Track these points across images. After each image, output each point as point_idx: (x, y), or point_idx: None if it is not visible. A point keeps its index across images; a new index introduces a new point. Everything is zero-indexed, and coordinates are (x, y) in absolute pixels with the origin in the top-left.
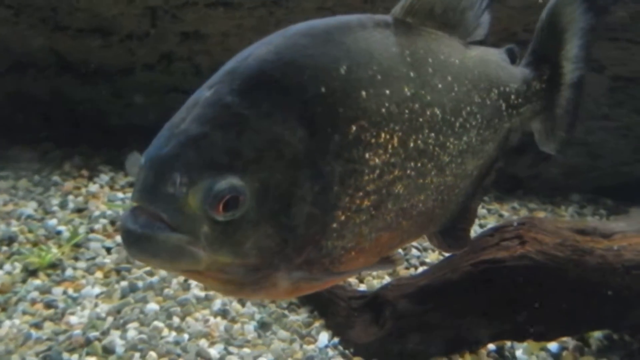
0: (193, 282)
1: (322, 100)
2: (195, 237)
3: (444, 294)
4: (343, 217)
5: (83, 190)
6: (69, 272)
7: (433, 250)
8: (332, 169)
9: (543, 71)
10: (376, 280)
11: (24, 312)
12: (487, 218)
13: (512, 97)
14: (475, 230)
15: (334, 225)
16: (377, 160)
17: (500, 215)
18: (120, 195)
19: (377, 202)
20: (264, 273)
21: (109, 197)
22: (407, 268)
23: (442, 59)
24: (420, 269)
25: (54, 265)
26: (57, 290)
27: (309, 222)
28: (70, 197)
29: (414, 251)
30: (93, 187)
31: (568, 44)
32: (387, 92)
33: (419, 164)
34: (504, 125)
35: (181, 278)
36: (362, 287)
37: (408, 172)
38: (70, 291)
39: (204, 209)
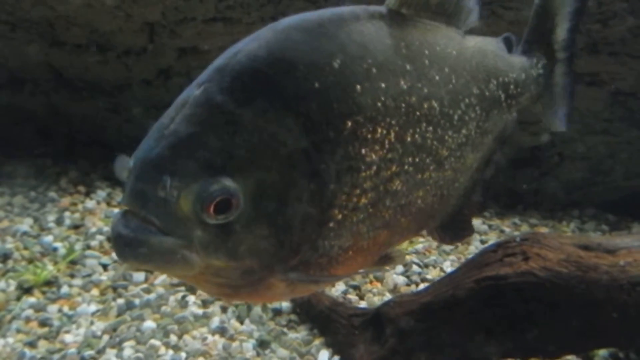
0: (191, 300)
1: (315, 96)
2: (188, 241)
3: (447, 311)
4: (340, 216)
5: (80, 206)
6: (64, 289)
7: (434, 267)
8: (328, 167)
9: (539, 57)
10: (377, 297)
11: (18, 331)
12: (488, 234)
13: (511, 87)
14: (476, 247)
15: (331, 224)
16: (373, 156)
17: (502, 231)
18: (117, 211)
19: (375, 199)
20: (260, 275)
21: (105, 213)
22: (407, 285)
23: (439, 50)
24: (422, 286)
25: (50, 283)
26: (52, 308)
27: (305, 222)
28: (67, 214)
29: (415, 267)
30: (90, 203)
31: (558, 28)
32: (383, 85)
33: (417, 159)
34: (503, 117)
35: (179, 295)
36: (363, 304)
37: (406, 167)
38: (66, 309)
39: (195, 212)
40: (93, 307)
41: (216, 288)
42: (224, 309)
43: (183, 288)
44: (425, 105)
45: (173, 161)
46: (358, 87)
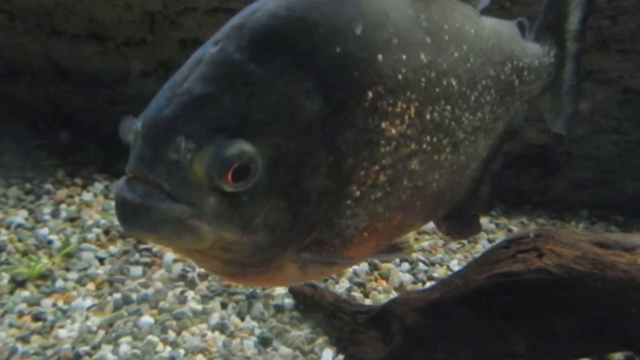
0: (190, 295)
1: (337, 61)
2: (199, 210)
3: (456, 308)
4: (357, 193)
5: (76, 198)
6: (59, 283)
7: (441, 265)
8: (347, 138)
9: (551, 46)
10: (383, 295)
11: (11, 325)
12: (495, 233)
13: (525, 72)
14: (483, 245)
15: (348, 201)
16: (393, 131)
17: (509, 230)
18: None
19: (393, 177)
20: (272, 253)
21: (103, 206)
22: (414, 282)
23: (458, 26)
24: (428, 284)
25: (44, 276)
26: (47, 302)
27: (322, 196)
28: (63, 206)
29: (421, 265)
30: (87, 196)
31: (570, 17)
32: (404, 57)
33: (435, 139)
34: (515, 104)
35: (177, 290)
36: (368, 302)
37: (424, 146)
38: (60, 303)
39: (210, 177)
40: (89, 302)
41: (223, 266)
42: (223, 305)
43: (182, 283)
44: (444, 82)
45: (186, 121)
46: (379, 56)
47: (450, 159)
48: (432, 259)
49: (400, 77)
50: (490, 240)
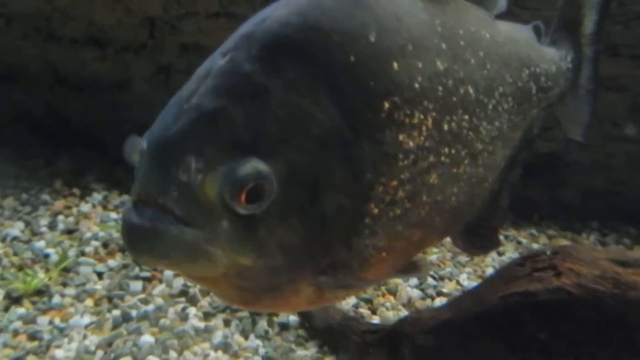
0: (191, 312)
1: (351, 70)
2: (212, 234)
3: (470, 329)
4: (376, 210)
5: (74, 209)
6: (56, 299)
7: (450, 280)
8: (364, 153)
9: (568, 50)
10: (391, 311)
11: (5, 345)
12: (505, 245)
13: (542, 79)
14: (493, 258)
15: (366, 219)
16: (411, 143)
17: (519, 242)
18: (113, 215)
19: (412, 193)
20: (287, 277)
21: (101, 217)
22: (422, 298)
23: (473, 31)
24: (438, 300)
25: (40, 292)
26: (43, 320)
27: (339, 215)
28: (60, 217)
29: (430, 280)
30: (85, 207)
31: (586, 20)
32: (420, 64)
33: (453, 150)
34: (532, 111)
35: (179, 307)
36: (375, 319)
37: (442, 159)
38: (57, 321)
39: (223, 199)
40: (87, 319)
41: (237, 293)
42: (226, 322)
43: (183, 299)
44: (462, 90)
45: (197, 139)
46: (395, 64)
47: (468, 171)
48: (441, 273)
49: (416, 85)
50: (499, 253)
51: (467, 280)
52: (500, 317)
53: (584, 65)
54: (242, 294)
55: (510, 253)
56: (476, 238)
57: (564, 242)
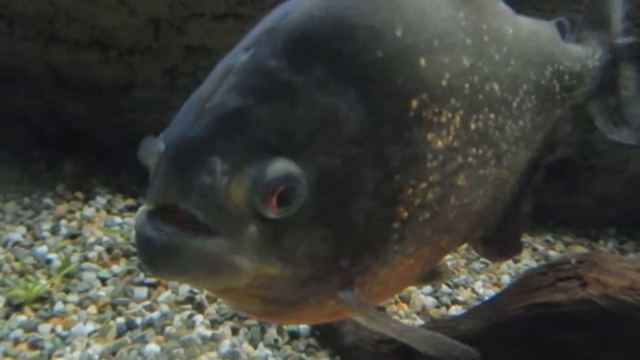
0: (198, 319)
1: (379, 67)
2: (238, 242)
3: (489, 341)
4: (405, 214)
5: (77, 214)
6: (58, 306)
7: (465, 287)
8: (393, 154)
9: (595, 48)
10: (405, 320)
11: (5, 354)
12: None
13: (566, 77)
14: (508, 265)
15: (395, 224)
16: (439, 143)
17: (534, 249)
18: (118, 220)
19: (441, 195)
20: (315, 288)
21: (105, 222)
22: (437, 307)
23: (496, 26)
24: (453, 308)
25: (42, 299)
26: (45, 328)
27: (368, 220)
28: (63, 222)
29: (445, 288)
30: (88, 211)
31: (614, 14)
32: (446, 61)
33: (480, 151)
34: (556, 111)
35: (185, 314)
36: None
37: (470, 160)
38: (59, 329)
39: (251, 204)
40: (90, 327)
41: (260, 305)
42: (234, 331)
43: (189, 306)
44: (487, 88)
45: (222, 139)
46: (422, 60)
47: (494, 172)
48: (455, 280)
49: (444, 83)
50: (515, 260)
51: (483, 288)
52: (522, 329)
53: (619, 63)
54: (265, 307)
55: (526, 260)
56: (496, 243)
57: (581, 249)
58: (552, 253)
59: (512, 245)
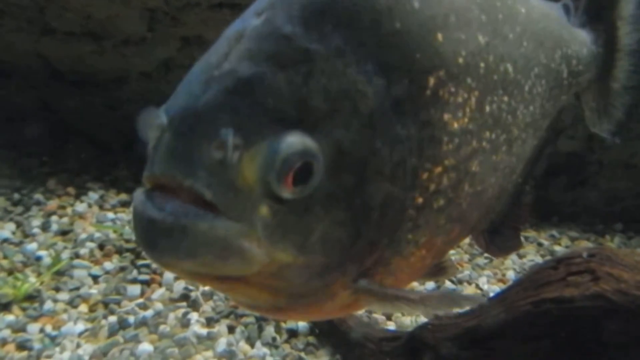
0: (193, 317)
1: (397, 39)
2: (249, 225)
3: (497, 338)
4: (421, 200)
5: (69, 210)
6: (48, 305)
7: (469, 283)
8: (410, 134)
9: (599, 33)
10: (407, 317)
11: None
12: (525, 247)
13: (574, 62)
14: (513, 261)
15: (411, 211)
16: (455, 125)
17: (539, 244)
18: (110, 215)
19: (456, 181)
20: (329, 278)
21: (97, 217)
22: None
23: (510, 4)
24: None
25: (31, 297)
26: (33, 328)
27: (386, 204)
28: (54, 218)
29: (448, 284)
30: (80, 207)
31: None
32: (463, 37)
33: (494, 135)
34: (562, 97)
35: (179, 312)
36: (391, 325)
37: (483, 144)
38: (49, 329)
39: (265, 182)
40: (80, 326)
41: (268, 298)
42: (231, 329)
43: (184, 304)
44: (501, 68)
45: (233, 109)
46: (439, 34)
47: (505, 159)
48: (459, 276)
49: (460, 60)
50: (520, 255)
51: (487, 284)
52: (532, 325)
53: (620, 54)
54: (273, 299)
55: (531, 255)
56: (498, 237)
57: (587, 244)
58: (557, 248)
59: (512, 240)
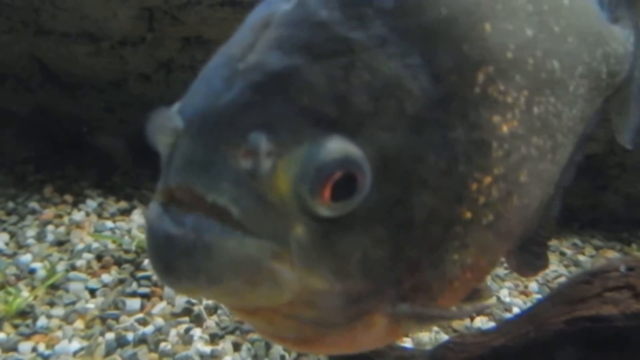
0: (196, 334)
1: (444, 28)
2: (283, 246)
3: (528, 358)
4: (468, 215)
5: (65, 218)
6: (41, 321)
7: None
8: (458, 137)
9: (631, 31)
10: (425, 333)
11: None
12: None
13: (612, 61)
14: None
15: (457, 227)
16: (504, 128)
17: (562, 254)
18: (109, 224)
19: (505, 194)
20: (367, 305)
21: (95, 226)
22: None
23: None
24: (477, 320)
25: (24, 313)
26: (25, 347)
27: (430, 220)
28: (50, 227)
29: None
30: (77, 215)
31: None
32: (510, 28)
33: (541, 141)
34: (598, 100)
35: (181, 328)
36: (407, 341)
37: (532, 151)
38: (42, 347)
39: (300, 195)
40: (76, 345)
41: (296, 328)
42: (236, 346)
43: (187, 319)
44: (548, 65)
45: (263, 109)
46: (487, 25)
47: (549, 169)
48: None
49: (509, 55)
50: None
51: (509, 297)
52: (565, 347)
53: None
54: (302, 330)
55: (554, 266)
56: (528, 255)
57: (613, 253)
58: (581, 258)
59: (539, 257)
